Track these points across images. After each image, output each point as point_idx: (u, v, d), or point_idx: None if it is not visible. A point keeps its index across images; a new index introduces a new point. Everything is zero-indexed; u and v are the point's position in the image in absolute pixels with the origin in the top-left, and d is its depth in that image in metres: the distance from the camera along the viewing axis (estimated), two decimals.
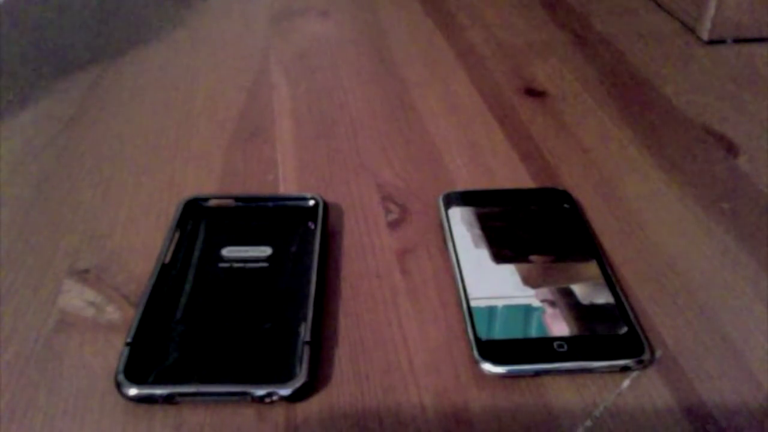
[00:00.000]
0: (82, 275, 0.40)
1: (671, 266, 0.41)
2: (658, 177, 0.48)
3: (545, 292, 0.38)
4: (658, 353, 0.35)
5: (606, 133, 0.53)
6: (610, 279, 0.38)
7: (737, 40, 0.66)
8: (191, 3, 0.77)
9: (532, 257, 0.40)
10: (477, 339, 0.35)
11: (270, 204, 0.44)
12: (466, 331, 0.36)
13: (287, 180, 0.48)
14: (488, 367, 0.34)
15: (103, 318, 0.37)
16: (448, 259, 0.41)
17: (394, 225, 0.44)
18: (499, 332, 0.35)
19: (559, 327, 0.35)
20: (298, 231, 0.42)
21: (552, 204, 0.44)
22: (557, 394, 0.33)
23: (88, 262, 0.41)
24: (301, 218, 0.43)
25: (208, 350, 0.34)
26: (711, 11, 0.65)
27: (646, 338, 0.36)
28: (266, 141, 0.52)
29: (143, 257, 0.41)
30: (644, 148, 0.51)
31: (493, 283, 0.38)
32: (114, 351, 0.35)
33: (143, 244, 0.42)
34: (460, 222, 0.43)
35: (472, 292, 0.38)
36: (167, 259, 0.39)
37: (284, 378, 0.32)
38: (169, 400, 0.32)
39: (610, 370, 0.34)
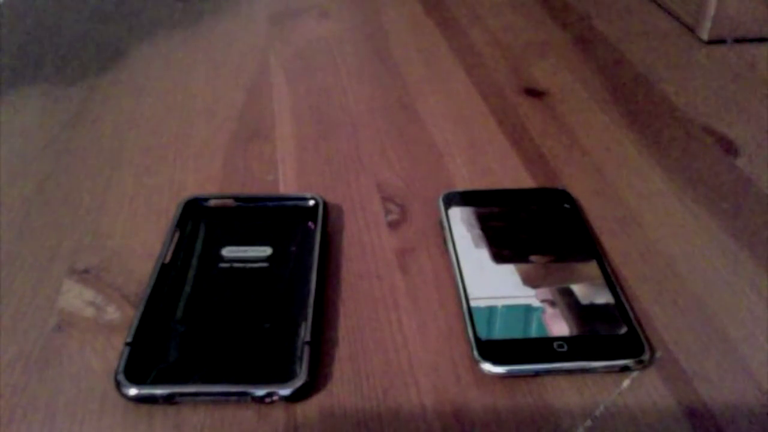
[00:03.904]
0: (82, 275, 0.40)
1: (671, 266, 0.41)
2: (658, 177, 0.48)
3: (545, 292, 0.38)
4: (658, 353, 0.35)
5: (606, 133, 0.53)
6: (610, 279, 0.38)
7: (737, 40, 0.66)
8: (191, 3, 0.77)
9: (532, 257, 0.40)
10: (477, 339, 0.35)
11: (270, 204, 0.44)
12: (466, 331, 0.36)
13: (287, 180, 0.48)
14: (488, 367, 0.34)
15: (103, 318, 0.37)
16: (448, 259, 0.41)
17: (394, 225, 0.44)
18: (499, 332, 0.35)
19: (559, 327, 0.35)
20: (298, 231, 0.42)
21: (552, 204, 0.44)
22: (557, 394, 0.33)
23: (88, 262, 0.41)
24: (301, 218, 0.43)
25: (208, 350, 0.34)
26: (711, 11, 0.65)
27: (646, 338, 0.36)
28: (266, 141, 0.52)
29: (143, 257, 0.41)
30: (644, 147, 0.51)
31: (493, 283, 0.38)
32: (114, 351, 0.35)
33: (143, 244, 0.42)
34: (460, 222, 0.43)
35: (472, 292, 0.38)
36: (167, 259, 0.39)
37: (284, 378, 0.32)
38: (169, 400, 0.32)
39: (610, 370, 0.34)
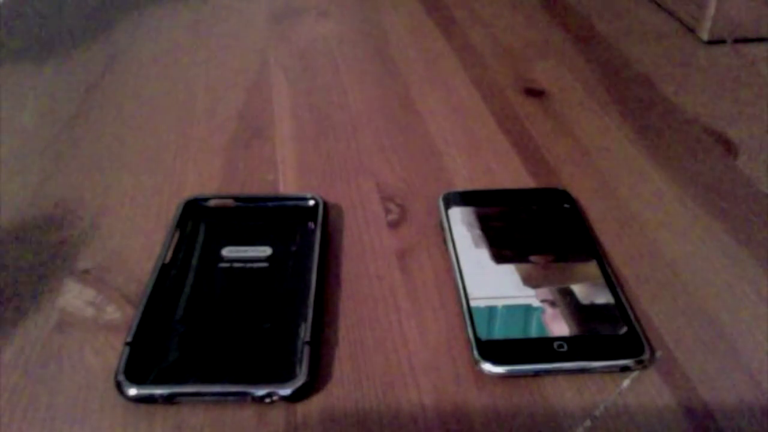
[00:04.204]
0: (82, 275, 0.40)
1: (671, 266, 0.41)
2: (658, 177, 0.48)
3: (545, 292, 0.38)
4: (658, 353, 0.35)
5: (606, 133, 0.53)
6: (610, 279, 0.38)
7: (737, 40, 0.66)
8: (191, 3, 0.77)
9: (532, 257, 0.40)
10: (477, 339, 0.35)
11: (270, 204, 0.44)
12: (466, 331, 0.36)
13: (287, 180, 0.48)
14: (488, 367, 0.34)
15: (103, 318, 0.37)
16: (448, 259, 0.41)
17: (394, 225, 0.44)
18: (499, 332, 0.35)
19: (559, 327, 0.35)
20: (298, 231, 0.42)
21: (552, 204, 0.44)
22: (557, 394, 0.33)
23: (88, 262, 0.41)
24: (301, 218, 0.43)
25: (208, 350, 0.34)
26: (711, 11, 0.65)
27: (646, 338, 0.36)
28: (266, 141, 0.52)
29: (143, 257, 0.41)
30: (644, 148, 0.51)
31: (493, 283, 0.38)
32: (114, 351, 0.35)
33: (143, 244, 0.42)
34: (460, 222, 0.43)
35: (472, 292, 0.38)
36: (167, 259, 0.39)
37: (284, 378, 0.32)
38: (169, 400, 0.32)
39: (610, 370, 0.34)
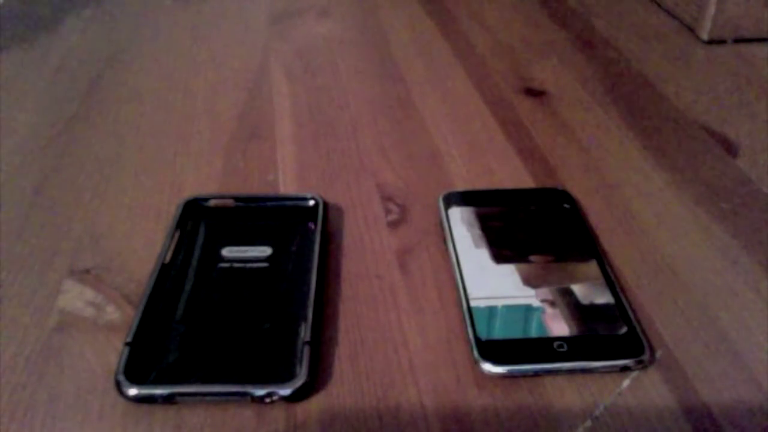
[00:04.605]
0: (82, 275, 0.40)
1: (671, 266, 0.41)
2: (658, 177, 0.48)
3: (545, 292, 0.38)
4: (658, 353, 0.35)
5: (606, 133, 0.53)
6: (610, 279, 0.38)
7: (737, 40, 0.66)
8: (191, 3, 0.77)
9: (532, 257, 0.40)
10: (477, 339, 0.35)
11: (270, 204, 0.44)
12: (466, 331, 0.36)
13: (287, 180, 0.48)
14: (488, 367, 0.34)
15: (103, 318, 0.37)
16: (448, 259, 0.41)
17: (394, 225, 0.44)
18: (499, 332, 0.35)
19: (559, 327, 0.35)
20: (298, 231, 0.42)
21: (552, 204, 0.44)
22: (557, 394, 0.33)
23: (88, 262, 0.41)
24: (301, 218, 0.43)
25: (208, 350, 0.34)
26: (711, 11, 0.65)
27: (646, 338, 0.36)
28: (266, 141, 0.52)
29: (143, 257, 0.41)
30: (644, 147, 0.51)
31: (493, 283, 0.38)
32: (114, 351, 0.35)
33: (143, 244, 0.42)
34: (460, 222, 0.43)
35: (472, 292, 0.38)
36: (167, 259, 0.39)
37: (284, 378, 0.32)
38: (169, 400, 0.32)
39: (610, 370, 0.34)
